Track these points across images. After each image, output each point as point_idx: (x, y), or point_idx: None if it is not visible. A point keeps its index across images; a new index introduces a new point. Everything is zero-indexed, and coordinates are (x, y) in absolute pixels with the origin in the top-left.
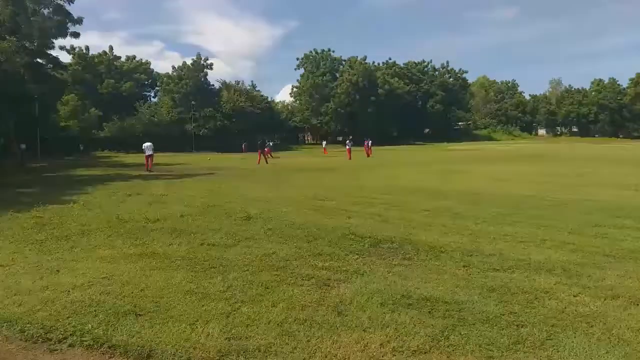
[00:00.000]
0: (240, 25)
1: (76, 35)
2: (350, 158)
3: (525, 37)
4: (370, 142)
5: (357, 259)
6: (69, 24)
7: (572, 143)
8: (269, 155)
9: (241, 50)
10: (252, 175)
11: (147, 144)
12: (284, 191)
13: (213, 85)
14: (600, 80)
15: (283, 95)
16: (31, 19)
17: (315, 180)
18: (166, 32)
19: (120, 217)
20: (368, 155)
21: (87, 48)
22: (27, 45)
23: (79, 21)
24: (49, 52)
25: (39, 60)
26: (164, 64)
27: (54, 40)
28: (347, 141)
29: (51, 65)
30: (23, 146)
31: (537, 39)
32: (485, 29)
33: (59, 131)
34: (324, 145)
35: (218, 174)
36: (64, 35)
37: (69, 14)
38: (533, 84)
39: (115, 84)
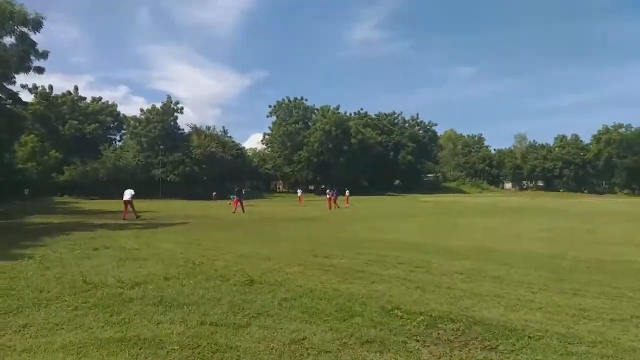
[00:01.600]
0: (208, 73)
1: (40, 70)
2: (330, 208)
3: (487, 93)
4: (348, 192)
5: (421, 347)
6: (33, 58)
7: (542, 197)
8: (239, 204)
9: (208, 97)
10: (233, 225)
11: (128, 190)
12: (276, 246)
13: (183, 129)
14: (564, 136)
15: (251, 143)
16: None
17: (305, 232)
18: (133, 77)
19: (87, 280)
20: (342, 206)
21: (51, 87)
22: None
23: (44, 55)
24: (8, 87)
25: None
26: (129, 108)
27: (15, 75)
28: (328, 190)
29: (10, 101)
30: None
31: (499, 95)
32: (450, 84)
33: (15, 174)
34: (299, 194)
35: (193, 224)
36: (27, 70)
37: (33, 44)
38: (498, 138)
39: (79, 126)
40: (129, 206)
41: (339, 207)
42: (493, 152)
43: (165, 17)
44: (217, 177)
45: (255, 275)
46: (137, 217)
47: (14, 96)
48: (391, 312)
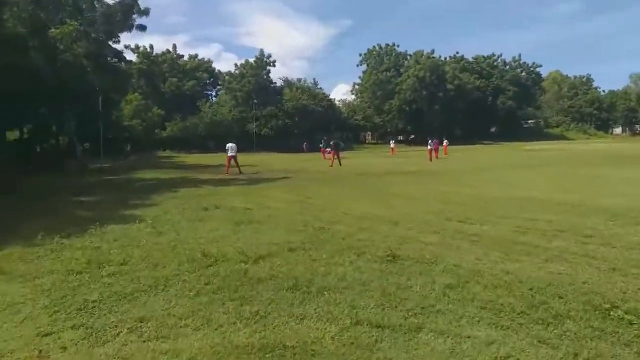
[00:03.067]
0: (294, 25)
1: (142, 28)
2: (431, 159)
3: (594, 30)
4: (446, 142)
5: None
6: (135, 15)
7: None
8: (336, 156)
9: (295, 50)
10: (335, 180)
11: (230, 144)
12: (394, 205)
13: (275, 83)
14: None
15: (337, 93)
16: (95, 3)
17: (418, 188)
18: (224, 35)
19: (205, 252)
20: (440, 156)
21: (151, 47)
22: (90, 32)
23: (146, 12)
24: (113, 46)
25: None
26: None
27: (119, 34)
28: (430, 140)
29: (116, 59)
30: (86, 145)
31: (608, 32)
32: (550, 22)
33: (122, 130)
34: (392, 145)
35: (295, 179)
36: (130, 28)
37: (135, 1)
38: (609, 80)
39: (178, 83)
40: (232, 161)
41: (438, 158)
42: (603, 94)
43: None
44: (309, 130)
45: (392, 246)
46: (240, 172)
47: (120, 54)
48: (609, 313)
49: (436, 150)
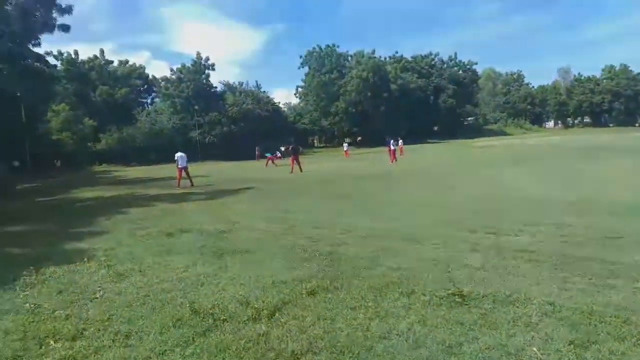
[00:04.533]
0: (225, 31)
1: (65, 28)
2: (392, 161)
3: (519, 28)
4: (401, 141)
5: None
6: (56, 14)
7: (603, 134)
8: (296, 162)
9: (227, 56)
10: (305, 189)
11: (179, 154)
12: (396, 216)
13: (216, 88)
14: (612, 67)
15: (276, 99)
16: None
17: (408, 194)
18: (152, 41)
19: (196, 307)
20: (397, 157)
21: (76, 52)
22: (3, 30)
23: (68, 10)
24: (34, 50)
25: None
26: (154, 73)
27: (39, 36)
28: (392, 141)
29: (37, 64)
30: (16, 163)
31: (534, 29)
32: (477, 22)
33: (50, 145)
34: (345, 148)
35: (259, 189)
36: (51, 29)
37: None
38: (538, 75)
39: (110, 91)
40: (183, 172)
41: (396, 160)
42: (534, 89)
43: None
44: (255, 135)
45: (442, 276)
46: (192, 185)
47: (41, 58)
48: None
49: (399, 151)
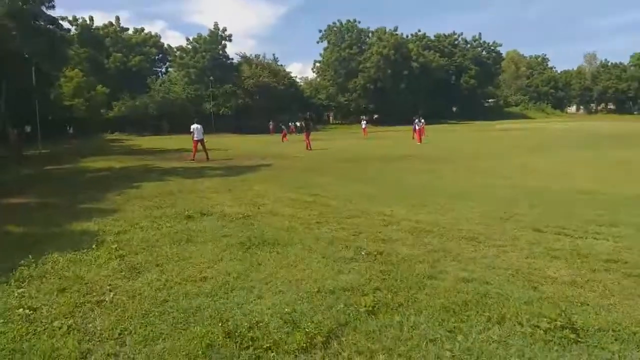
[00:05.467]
0: (242, 3)
1: None
2: (420, 141)
3: (546, 12)
4: (423, 121)
5: None
6: None
7: (630, 121)
8: (285, 138)
9: (243, 29)
10: (328, 169)
11: (195, 126)
12: (440, 206)
13: (232, 59)
14: None
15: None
16: None
17: (443, 180)
18: (168, 11)
19: (230, 328)
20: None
21: (92, 19)
22: None
23: None
24: (47, 12)
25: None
26: (169, 43)
27: None
28: (417, 120)
29: (50, 25)
30: (27, 128)
31: (561, 13)
32: (502, 5)
33: (62, 111)
34: (363, 126)
35: (279, 167)
36: None
37: None
38: (564, 59)
39: (124, 59)
40: (199, 145)
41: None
42: (557, 73)
43: None
44: (270, 109)
45: (527, 296)
46: (208, 158)
47: (55, 21)
48: None
49: (422, 131)
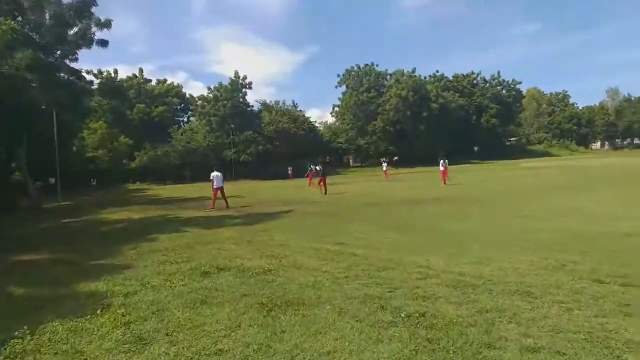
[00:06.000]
0: (261, 53)
1: (104, 43)
2: (444, 182)
3: (564, 49)
4: (446, 162)
5: None
6: (94, 28)
7: None
8: (320, 184)
9: (263, 77)
10: (353, 214)
11: (215, 174)
12: (483, 257)
13: (252, 106)
14: None
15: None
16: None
17: (484, 225)
18: (190, 63)
19: None
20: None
21: (116, 71)
22: (33, 36)
23: (107, 24)
24: (70, 65)
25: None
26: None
27: (76, 52)
28: (442, 161)
29: (71, 77)
30: (52, 180)
31: (577, 50)
32: (516, 42)
33: (85, 162)
34: (384, 168)
35: (300, 213)
36: (89, 43)
37: (90, 12)
38: (584, 95)
39: (146, 109)
40: (218, 193)
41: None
42: (580, 109)
43: None
44: (290, 154)
45: None
46: (228, 206)
47: (77, 72)
48: None
49: (445, 172)
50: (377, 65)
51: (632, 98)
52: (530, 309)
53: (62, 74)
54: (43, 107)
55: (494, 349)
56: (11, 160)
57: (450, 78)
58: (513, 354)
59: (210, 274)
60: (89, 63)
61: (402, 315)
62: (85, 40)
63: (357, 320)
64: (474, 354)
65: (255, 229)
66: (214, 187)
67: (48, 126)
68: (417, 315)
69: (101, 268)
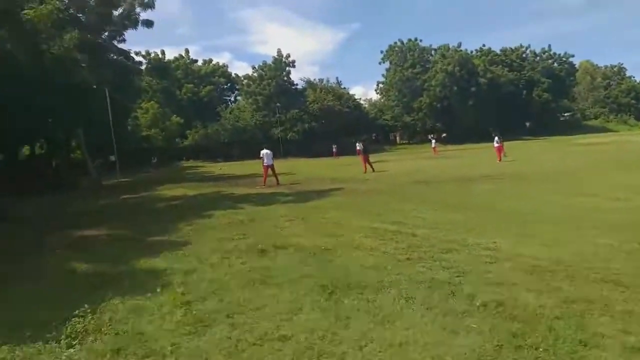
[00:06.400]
0: (303, 32)
1: (149, 23)
2: (500, 159)
3: (613, 21)
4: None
5: None
6: (139, 9)
7: None
8: (367, 161)
9: (305, 56)
10: (405, 192)
11: (265, 152)
12: (555, 239)
13: (297, 84)
14: None
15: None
16: None
17: (544, 206)
18: (233, 44)
19: None
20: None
21: (163, 52)
22: (80, 17)
23: (150, 4)
24: (119, 45)
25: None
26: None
27: (124, 32)
28: (497, 137)
29: (121, 57)
30: (112, 158)
31: (629, 22)
32: (562, 14)
33: (141, 141)
34: (433, 145)
35: (350, 191)
36: (134, 24)
37: None
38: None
39: (194, 89)
40: (269, 170)
41: (501, 160)
42: (638, 82)
43: None
44: (335, 132)
45: None
46: (278, 183)
47: (125, 53)
48: None
49: (500, 149)
50: (421, 41)
51: None
52: (623, 300)
53: (111, 55)
54: (94, 86)
55: (592, 347)
56: (70, 140)
57: (498, 52)
58: (614, 354)
59: (267, 252)
60: (136, 45)
61: (477, 304)
62: (131, 20)
63: (427, 309)
64: (569, 352)
65: (307, 206)
66: (265, 164)
67: (102, 106)
68: (494, 304)
69: (160, 244)
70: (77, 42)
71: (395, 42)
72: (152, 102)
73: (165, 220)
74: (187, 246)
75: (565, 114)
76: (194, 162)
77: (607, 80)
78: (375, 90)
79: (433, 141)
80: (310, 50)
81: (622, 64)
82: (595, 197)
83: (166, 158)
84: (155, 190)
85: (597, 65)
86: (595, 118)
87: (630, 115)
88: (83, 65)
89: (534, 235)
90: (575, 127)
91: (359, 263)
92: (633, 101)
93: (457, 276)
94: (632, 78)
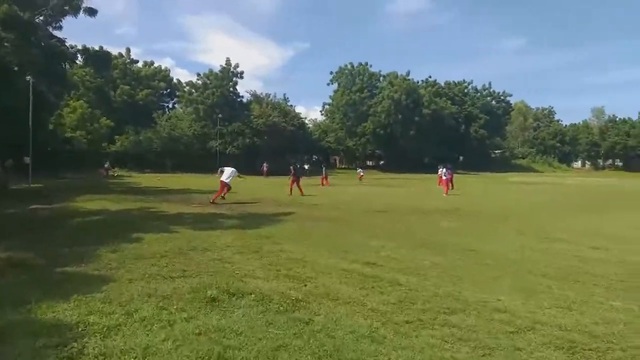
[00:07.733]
0: (249, 45)
1: (92, 12)
2: (447, 192)
3: (552, 65)
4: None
5: None
6: None
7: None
8: (295, 184)
9: (250, 70)
10: (363, 223)
11: (231, 169)
12: (576, 301)
13: (242, 97)
14: None
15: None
16: None
17: (521, 251)
18: (176, 50)
19: None
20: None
21: (102, 48)
22: None
23: None
24: (54, 33)
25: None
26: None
27: (61, 19)
28: (444, 169)
29: (55, 40)
30: (27, 159)
31: (563, 68)
32: (502, 56)
33: (62, 143)
34: (360, 173)
35: (301, 215)
36: (76, 10)
37: None
38: (569, 113)
39: (131, 91)
40: (225, 189)
41: (447, 194)
42: (564, 127)
43: None
44: (277, 150)
45: None
46: (223, 198)
47: (60, 40)
48: None
49: (450, 181)
50: (370, 66)
51: (617, 119)
52: None
53: (43, 39)
54: (15, 68)
55: None
56: None
57: (443, 85)
58: None
59: (219, 302)
60: (72, 38)
61: None
62: (72, 6)
63: None
64: None
65: (257, 234)
66: (222, 180)
67: (23, 96)
68: None
69: (72, 279)
70: (3, 16)
71: (346, 65)
72: (81, 101)
73: (81, 242)
74: (109, 284)
75: (497, 151)
76: (120, 170)
77: (537, 122)
78: (321, 112)
79: (359, 170)
80: (255, 65)
81: (552, 107)
82: (565, 244)
83: (89, 164)
84: (71, 201)
85: (529, 106)
86: (523, 158)
87: (554, 157)
88: (6, 44)
89: (536, 291)
90: (504, 164)
91: (347, 328)
92: (558, 144)
93: (483, 355)
94: (560, 121)
